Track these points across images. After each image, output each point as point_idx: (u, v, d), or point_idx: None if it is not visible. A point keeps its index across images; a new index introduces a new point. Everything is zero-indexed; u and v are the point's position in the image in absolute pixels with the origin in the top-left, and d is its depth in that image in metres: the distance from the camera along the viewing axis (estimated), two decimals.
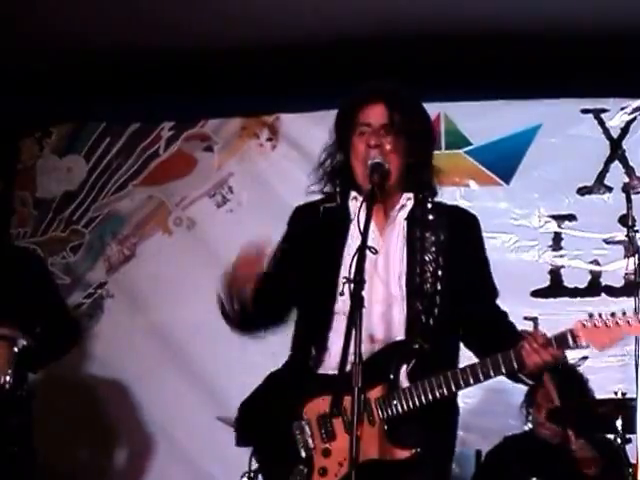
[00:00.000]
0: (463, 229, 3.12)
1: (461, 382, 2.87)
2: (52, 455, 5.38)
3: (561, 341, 2.85)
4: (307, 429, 2.97)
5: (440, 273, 3.00)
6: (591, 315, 2.84)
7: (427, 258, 3.01)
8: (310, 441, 2.97)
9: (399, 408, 2.88)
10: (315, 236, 3.12)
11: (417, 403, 2.87)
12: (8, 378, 4.15)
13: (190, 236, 5.97)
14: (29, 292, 4.43)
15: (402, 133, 3.04)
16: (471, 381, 2.87)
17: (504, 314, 3.10)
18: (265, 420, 3.07)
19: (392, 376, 2.90)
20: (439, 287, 2.99)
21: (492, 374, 2.86)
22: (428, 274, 2.99)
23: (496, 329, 3.02)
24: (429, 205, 3.10)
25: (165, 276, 5.90)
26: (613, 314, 2.84)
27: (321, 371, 2.99)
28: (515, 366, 2.86)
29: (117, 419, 5.80)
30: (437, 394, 2.87)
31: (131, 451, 5.74)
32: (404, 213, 3.08)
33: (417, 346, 2.92)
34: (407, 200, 3.09)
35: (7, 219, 6.13)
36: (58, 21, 5.40)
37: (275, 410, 3.04)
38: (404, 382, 2.93)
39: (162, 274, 5.90)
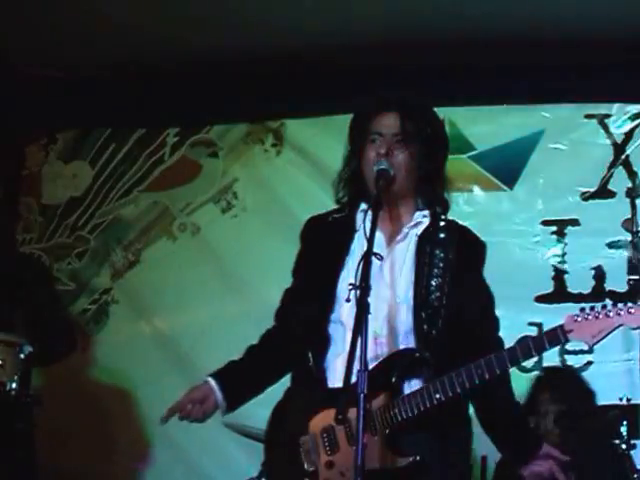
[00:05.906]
0: (471, 253, 3.10)
1: (456, 385, 2.85)
2: (56, 460, 5.40)
3: (552, 338, 2.84)
4: (312, 443, 2.96)
5: (446, 289, 2.99)
6: (582, 309, 2.83)
7: (434, 272, 3.00)
8: (314, 455, 2.95)
9: (399, 417, 2.86)
10: (320, 248, 3.13)
11: (415, 410, 2.86)
12: (14, 385, 4.16)
13: (195, 242, 5.97)
14: (29, 299, 4.45)
15: (414, 142, 3.03)
16: (466, 384, 2.85)
17: (501, 343, 3.07)
18: (275, 436, 3.09)
19: (394, 385, 2.89)
20: (444, 301, 2.98)
21: (486, 375, 2.85)
22: (434, 287, 2.98)
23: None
24: (442, 223, 3.08)
25: (170, 282, 5.90)
26: (604, 306, 2.82)
27: (329, 384, 2.99)
28: (508, 365, 2.86)
29: (121, 425, 5.80)
30: (434, 400, 2.85)
31: (135, 457, 5.73)
32: (418, 230, 3.07)
33: (418, 355, 2.92)
34: (423, 217, 3.09)
35: (11, 225, 6.14)
36: (63, 27, 5.42)
37: (284, 425, 3.05)
38: (407, 391, 2.91)
39: (167, 280, 5.91)
